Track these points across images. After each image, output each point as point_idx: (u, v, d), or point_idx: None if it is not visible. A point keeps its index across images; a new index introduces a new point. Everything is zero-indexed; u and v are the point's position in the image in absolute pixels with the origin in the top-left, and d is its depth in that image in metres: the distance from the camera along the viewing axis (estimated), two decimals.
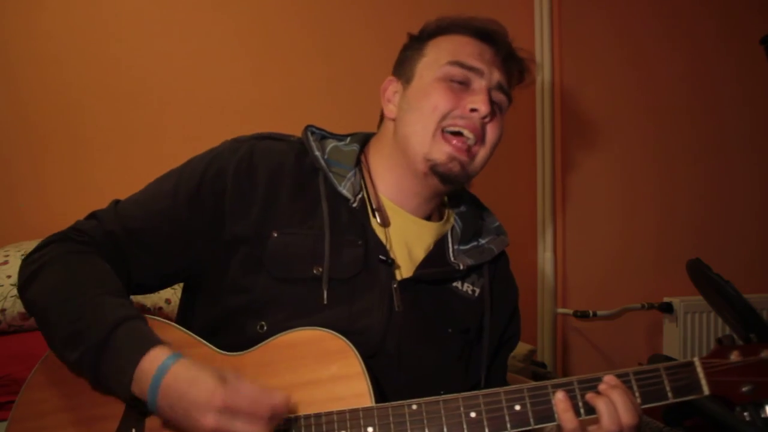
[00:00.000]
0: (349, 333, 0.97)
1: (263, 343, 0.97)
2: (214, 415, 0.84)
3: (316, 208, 1.08)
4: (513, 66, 1.18)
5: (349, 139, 1.19)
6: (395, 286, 1.08)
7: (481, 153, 1.14)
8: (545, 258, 2.30)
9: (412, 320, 1.08)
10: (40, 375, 0.98)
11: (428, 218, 1.18)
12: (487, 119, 1.11)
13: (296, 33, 2.09)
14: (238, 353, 0.97)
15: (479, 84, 1.12)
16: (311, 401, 0.92)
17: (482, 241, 1.21)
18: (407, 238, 1.13)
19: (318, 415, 0.91)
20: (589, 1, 2.35)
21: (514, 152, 2.31)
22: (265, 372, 0.95)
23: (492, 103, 1.12)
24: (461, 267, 1.13)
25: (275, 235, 1.05)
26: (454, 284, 1.15)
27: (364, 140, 1.20)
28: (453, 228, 1.18)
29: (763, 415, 0.89)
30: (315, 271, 1.04)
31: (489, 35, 1.15)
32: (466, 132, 1.10)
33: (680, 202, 2.42)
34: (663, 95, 2.42)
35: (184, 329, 1.00)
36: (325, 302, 1.03)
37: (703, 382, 0.91)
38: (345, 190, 1.09)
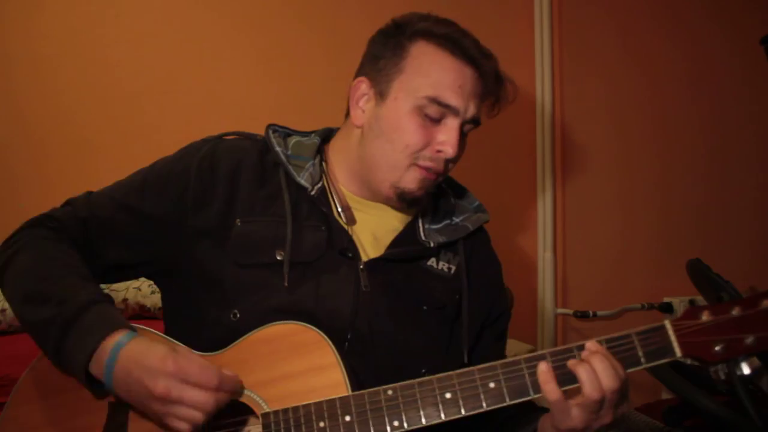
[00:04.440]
0: (317, 315, 1.00)
1: (238, 341, 0.98)
2: (165, 380, 0.87)
3: (278, 198, 1.10)
4: (496, 94, 1.14)
5: (313, 134, 1.21)
6: (361, 267, 1.09)
7: (441, 177, 1.14)
8: (545, 258, 2.30)
9: (383, 300, 1.09)
10: (23, 390, 1.00)
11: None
12: (454, 159, 1.11)
13: (298, 32, 2.09)
14: (213, 353, 0.98)
15: (452, 123, 1.08)
16: (288, 394, 0.93)
17: (456, 220, 1.22)
18: (372, 224, 1.15)
19: (295, 408, 0.92)
20: (589, 1, 2.35)
21: (514, 152, 2.31)
22: (242, 369, 0.96)
23: (461, 137, 1.10)
24: (432, 245, 1.14)
25: (238, 223, 1.08)
26: (429, 263, 1.16)
27: (326, 134, 1.22)
28: (424, 208, 1.19)
29: (738, 372, 0.88)
30: (278, 256, 1.06)
31: (476, 62, 1.09)
32: (431, 171, 1.10)
33: (680, 202, 2.42)
34: (663, 95, 2.41)
35: (159, 333, 1.01)
36: (286, 284, 1.04)
37: (675, 344, 0.90)
38: (303, 180, 1.11)
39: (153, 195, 1.11)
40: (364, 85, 1.13)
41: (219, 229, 1.08)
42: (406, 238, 1.15)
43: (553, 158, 2.30)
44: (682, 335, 0.89)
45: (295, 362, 0.95)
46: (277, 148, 1.14)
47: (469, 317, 1.16)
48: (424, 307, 1.13)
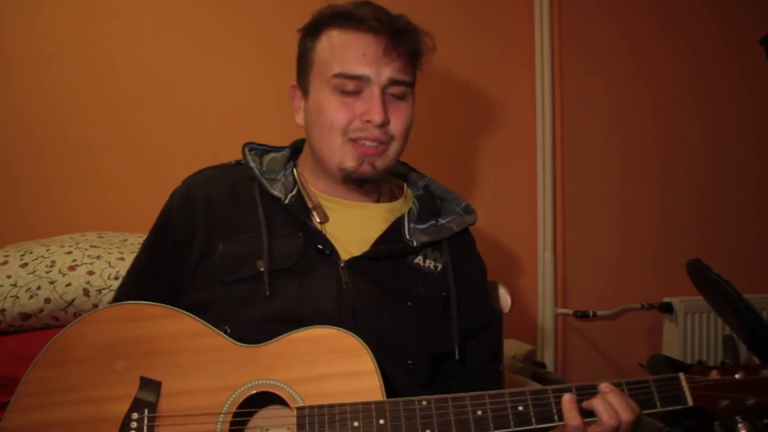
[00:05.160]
0: (303, 318, 1.03)
1: (279, 337, 1.00)
2: None
3: (254, 213, 1.14)
4: (405, 47, 1.13)
5: (285, 148, 1.26)
6: (342, 265, 1.11)
7: (393, 147, 1.15)
8: (545, 258, 2.30)
9: (366, 296, 1.11)
10: (49, 354, 1.00)
11: (378, 200, 1.23)
12: (385, 124, 1.12)
13: (296, 33, 2.08)
14: (254, 345, 1.00)
15: (369, 90, 1.11)
16: (324, 393, 0.96)
17: (442, 221, 1.24)
18: (353, 223, 1.18)
19: (331, 406, 0.95)
20: (589, 0, 2.35)
21: (514, 152, 2.31)
22: (280, 364, 0.98)
23: (388, 101, 1.12)
24: (415, 243, 1.17)
25: (221, 246, 1.13)
26: (416, 260, 1.18)
27: (297, 145, 1.27)
28: (410, 209, 1.22)
29: None
30: (261, 267, 1.09)
31: (373, 27, 1.11)
32: (367, 143, 1.12)
33: (680, 202, 2.42)
34: (663, 95, 2.42)
35: (200, 319, 1.03)
36: (268, 293, 1.07)
37: (687, 394, 0.99)
38: (276, 191, 1.15)
39: (156, 252, 1.20)
40: (296, 91, 1.22)
41: (206, 257, 1.13)
42: (390, 236, 1.17)
43: (553, 158, 2.30)
44: (693, 387, 0.99)
45: (334, 365, 0.97)
46: (252, 164, 1.19)
47: (457, 314, 1.18)
48: (409, 303, 1.15)
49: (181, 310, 1.03)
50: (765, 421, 0.97)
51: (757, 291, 2.26)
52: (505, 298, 1.44)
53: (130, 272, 1.24)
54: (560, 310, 2.32)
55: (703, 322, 2.34)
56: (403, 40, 1.12)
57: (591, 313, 2.30)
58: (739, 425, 0.96)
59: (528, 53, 2.29)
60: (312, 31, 1.18)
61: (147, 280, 1.19)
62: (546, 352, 2.29)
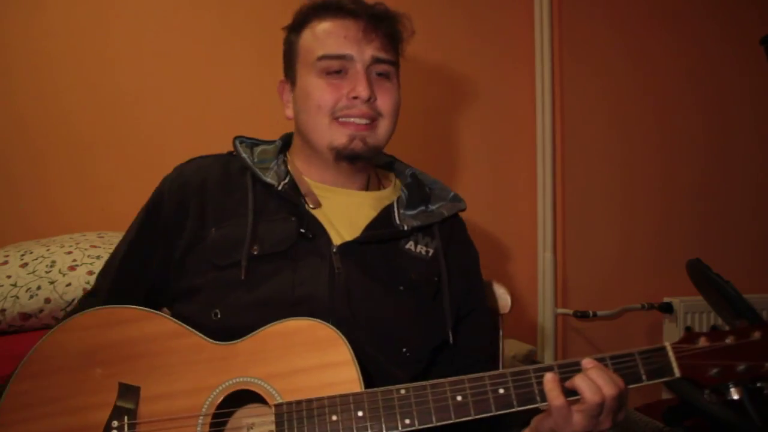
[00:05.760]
0: (295, 302, 1.03)
1: (255, 332, 0.99)
2: None
3: (245, 199, 1.16)
4: (384, 29, 1.17)
5: (276, 141, 1.28)
6: (334, 250, 1.12)
7: (383, 125, 1.18)
8: (545, 258, 2.30)
9: (358, 281, 1.11)
10: (27, 367, 0.99)
11: (366, 188, 1.25)
12: (372, 100, 1.14)
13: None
14: (229, 342, 0.99)
15: (354, 69, 1.14)
16: (301, 387, 0.95)
17: (432, 207, 1.26)
18: (344, 210, 1.19)
19: (309, 401, 0.94)
20: (589, 0, 2.35)
21: (514, 152, 2.31)
22: (257, 360, 0.97)
23: (373, 80, 1.15)
24: (406, 228, 1.18)
25: (214, 231, 1.14)
26: (408, 245, 1.19)
27: (288, 137, 1.29)
28: (399, 197, 1.24)
29: (729, 398, 0.94)
30: (254, 252, 1.11)
31: (347, 10, 1.16)
32: (356, 120, 1.15)
33: (680, 202, 2.42)
34: (663, 95, 2.42)
35: (176, 320, 1.02)
36: (242, 278, 1.08)
37: (674, 365, 0.95)
38: (269, 178, 1.17)
39: (145, 234, 1.19)
40: (284, 85, 1.24)
41: (198, 241, 1.14)
42: (381, 222, 1.18)
43: (553, 158, 2.30)
44: (681, 357, 0.95)
45: (310, 357, 0.96)
46: (243, 155, 1.21)
47: (449, 297, 1.18)
48: (401, 288, 1.15)
49: (156, 312, 1.03)
50: (758, 384, 0.94)
51: (757, 291, 2.26)
52: (504, 298, 1.44)
53: (114, 257, 1.21)
54: (560, 310, 2.32)
55: (703, 322, 2.34)
56: (381, 23, 1.16)
57: (591, 313, 2.30)
58: (732, 390, 0.93)
59: (528, 53, 2.29)
60: (296, 27, 1.22)
61: (132, 266, 1.18)
62: (546, 352, 2.29)
